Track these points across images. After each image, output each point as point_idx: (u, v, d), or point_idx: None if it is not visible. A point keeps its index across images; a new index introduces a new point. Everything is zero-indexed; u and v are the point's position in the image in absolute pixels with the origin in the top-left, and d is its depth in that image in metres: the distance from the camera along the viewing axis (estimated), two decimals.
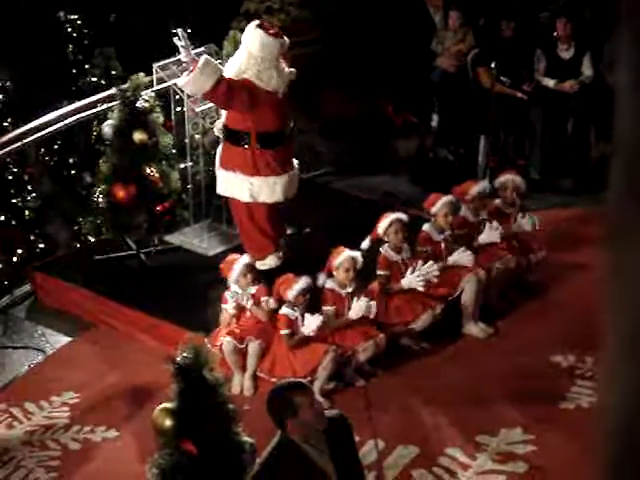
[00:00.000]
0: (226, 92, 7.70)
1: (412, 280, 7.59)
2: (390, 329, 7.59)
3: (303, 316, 7.26)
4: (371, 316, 7.38)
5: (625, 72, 1.64)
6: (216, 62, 7.86)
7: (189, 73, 7.69)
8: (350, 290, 7.43)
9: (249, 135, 7.92)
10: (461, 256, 7.89)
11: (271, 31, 7.86)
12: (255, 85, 7.76)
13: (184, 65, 8.09)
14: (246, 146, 7.95)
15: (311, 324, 7.22)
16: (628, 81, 1.63)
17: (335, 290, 7.44)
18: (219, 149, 8.24)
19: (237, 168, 8.00)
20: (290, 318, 7.27)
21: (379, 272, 7.71)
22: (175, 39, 7.80)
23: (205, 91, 7.73)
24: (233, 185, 8.06)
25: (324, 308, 7.41)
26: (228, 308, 7.46)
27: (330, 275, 7.47)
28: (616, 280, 1.66)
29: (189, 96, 8.44)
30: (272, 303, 7.43)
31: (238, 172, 8.00)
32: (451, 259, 7.90)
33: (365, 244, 7.70)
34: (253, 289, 7.44)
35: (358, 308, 7.34)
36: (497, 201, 8.42)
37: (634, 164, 1.64)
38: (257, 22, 8.04)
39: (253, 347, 7.37)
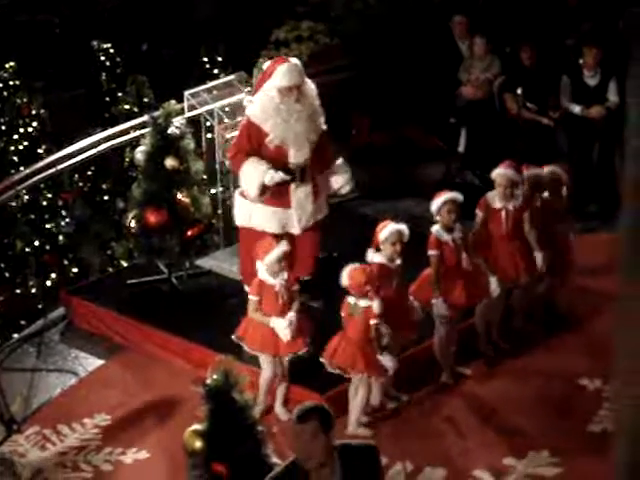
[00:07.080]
0: None
1: None
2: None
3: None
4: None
5: (634, 111, 1.73)
6: None
7: None
8: (399, 262, 7.36)
9: None
10: None
11: None
12: None
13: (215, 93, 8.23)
14: None
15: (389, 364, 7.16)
16: (636, 119, 1.73)
17: (384, 264, 7.36)
18: None
19: None
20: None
21: (430, 252, 7.60)
22: None
23: None
24: None
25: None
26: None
27: (378, 250, 7.38)
28: (625, 306, 1.76)
29: (219, 123, 8.57)
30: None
31: None
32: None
33: (434, 228, 7.62)
34: (285, 275, 7.36)
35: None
36: None
37: None
38: None
39: None
